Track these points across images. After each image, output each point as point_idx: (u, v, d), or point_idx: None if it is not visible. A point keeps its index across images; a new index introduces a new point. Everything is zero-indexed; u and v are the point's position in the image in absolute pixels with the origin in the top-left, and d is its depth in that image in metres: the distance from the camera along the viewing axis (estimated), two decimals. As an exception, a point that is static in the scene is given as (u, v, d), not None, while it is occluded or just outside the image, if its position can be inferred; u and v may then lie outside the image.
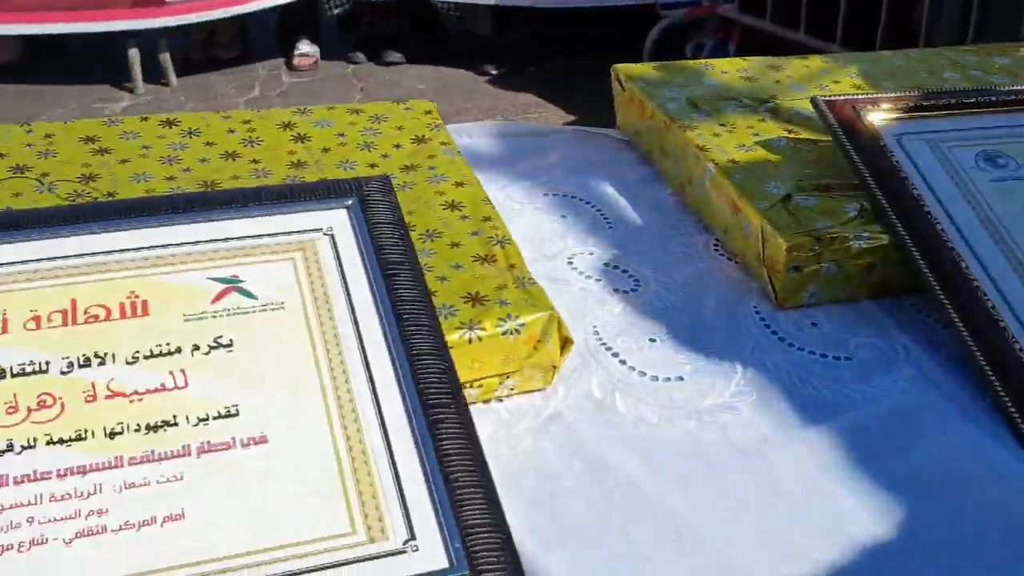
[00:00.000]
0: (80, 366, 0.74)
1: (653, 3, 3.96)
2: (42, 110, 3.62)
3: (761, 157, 1.08)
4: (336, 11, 4.03)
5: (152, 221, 0.83)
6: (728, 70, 1.28)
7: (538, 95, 3.81)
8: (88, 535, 0.65)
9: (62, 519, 0.66)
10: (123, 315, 0.78)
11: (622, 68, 1.26)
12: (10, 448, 0.69)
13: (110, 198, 0.96)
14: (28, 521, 0.65)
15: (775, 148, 1.10)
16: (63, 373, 0.73)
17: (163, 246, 0.82)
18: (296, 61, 3.94)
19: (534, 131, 1.26)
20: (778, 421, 0.83)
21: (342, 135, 1.08)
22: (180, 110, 3.65)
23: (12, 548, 0.64)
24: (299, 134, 1.08)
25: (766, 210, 0.98)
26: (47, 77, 3.84)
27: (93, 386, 0.73)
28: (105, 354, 0.75)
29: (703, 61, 1.31)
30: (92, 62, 3.94)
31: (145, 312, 0.78)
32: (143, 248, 0.82)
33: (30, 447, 0.69)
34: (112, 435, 0.70)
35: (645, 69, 1.26)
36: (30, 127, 1.06)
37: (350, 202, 0.88)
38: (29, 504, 0.66)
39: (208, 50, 3.98)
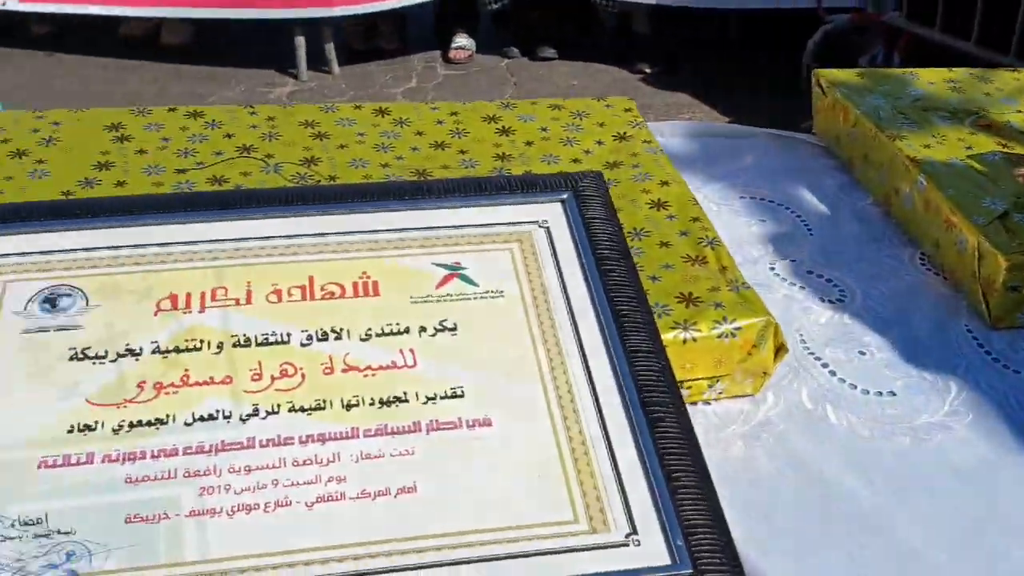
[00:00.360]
0: (319, 339, 0.78)
1: (815, 7, 3.85)
2: (212, 91, 3.79)
3: (975, 171, 1.04)
4: (495, 6, 4.08)
5: (381, 206, 0.87)
6: (934, 80, 1.24)
7: (692, 95, 3.77)
8: (328, 500, 0.69)
9: (304, 483, 0.69)
10: (356, 294, 0.81)
11: (824, 73, 1.24)
12: (256, 413, 0.73)
13: (331, 181, 1.00)
14: (273, 483, 0.69)
15: (989, 163, 1.06)
16: (303, 345, 0.77)
17: (391, 230, 0.86)
18: (452, 54, 4.01)
19: (727, 132, 1.25)
20: (997, 443, 0.80)
21: (545, 130, 1.10)
22: (341, 98, 3.77)
23: (259, 508, 0.68)
24: (503, 127, 1.10)
25: (983, 226, 0.95)
26: (216, 60, 4.01)
27: (331, 359, 0.76)
28: (341, 329, 0.78)
29: (907, 70, 1.28)
30: (259, 48, 4.10)
31: (376, 292, 0.81)
32: (373, 231, 0.85)
33: (274, 413, 0.73)
34: (348, 407, 0.74)
35: (848, 75, 1.24)
36: (253, 108, 1.11)
37: (564, 196, 0.89)
38: (274, 467, 0.70)
39: (369, 41, 4.09)
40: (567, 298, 0.81)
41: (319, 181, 1.00)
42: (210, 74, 3.94)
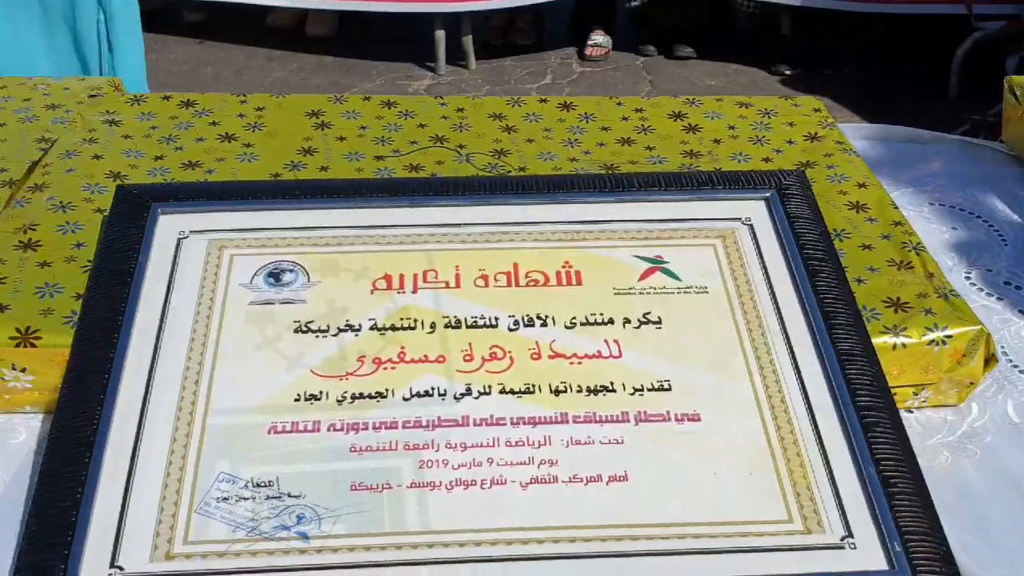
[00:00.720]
0: (525, 325, 0.79)
1: (966, 12, 3.71)
2: (353, 82, 3.89)
3: None
4: (634, 3, 4.07)
5: (583, 197, 0.88)
6: None
7: (832, 99, 3.68)
8: (541, 483, 0.70)
9: (517, 464, 0.71)
10: (559, 282, 0.83)
11: (1018, 81, 1.19)
12: (468, 392, 0.75)
13: (521, 172, 1.02)
14: (488, 461, 0.71)
15: None
16: (510, 330, 0.79)
17: (593, 222, 0.87)
18: (588, 51, 4.01)
19: (915, 136, 1.22)
20: None
21: (733, 128, 1.09)
22: (477, 92, 3.82)
23: (475, 484, 0.70)
24: (690, 124, 1.10)
25: None
26: (357, 52, 4.12)
27: (537, 344, 0.78)
28: (546, 316, 0.80)
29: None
30: (397, 41, 4.19)
31: (579, 282, 0.83)
32: (575, 222, 0.86)
33: (486, 393, 0.75)
34: (557, 392, 0.75)
35: (1045, 82, 1.19)
36: (443, 100, 1.14)
37: (768, 194, 0.89)
38: (488, 446, 0.72)
39: (505, 36, 4.13)
40: (773, 297, 0.81)
41: (509, 172, 1.02)
42: (351, 66, 4.05)
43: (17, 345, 0.78)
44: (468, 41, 3.96)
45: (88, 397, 0.73)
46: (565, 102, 1.14)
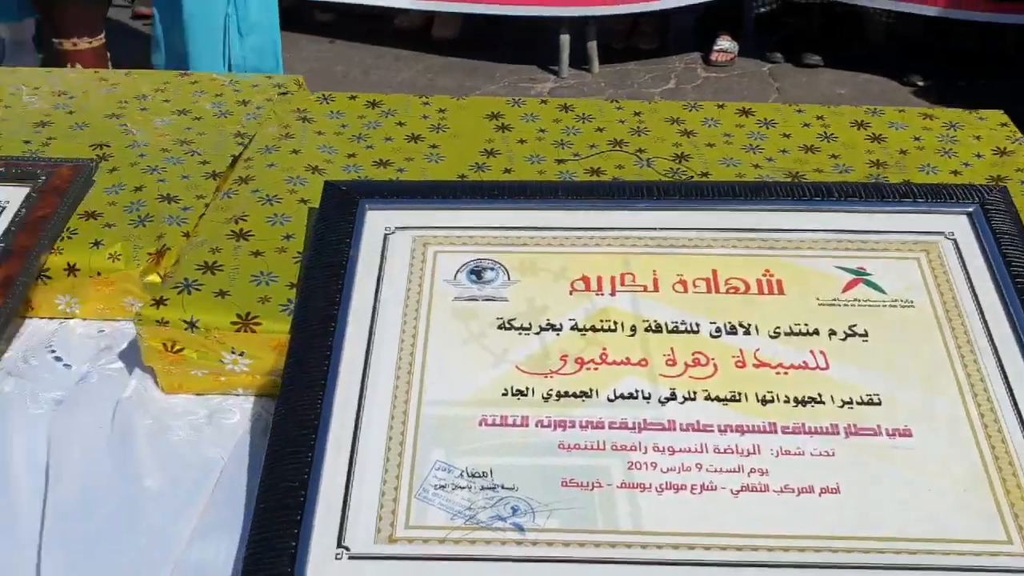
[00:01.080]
0: (727, 332, 0.80)
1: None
2: (478, 85, 3.95)
3: None
4: (763, 9, 4.01)
5: (781, 205, 0.88)
6: None
7: (967, 111, 3.57)
8: (751, 491, 0.70)
9: (727, 471, 0.71)
10: (760, 291, 0.83)
11: None
12: (673, 397, 0.76)
13: (703, 178, 1.02)
14: (697, 467, 0.72)
15: None
16: (712, 336, 0.80)
17: (792, 231, 0.86)
18: (714, 56, 3.97)
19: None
20: None
21: (918, 139, 1.07)
22: (599, 96, 3.82)
23: (685, 488, 0.70)
24: (874, 134, 1.08)
25: None
26: (482, 55, 4.17)
27: (741, 353, 0.78)
28: (748, 325, 0.80)
29: None
30: (520, 44, 4.22)
31: (780, 291, 0.83)
32: (774, 230, 0.86)
33: (691, 399, 0.76)
34: (764, 402, 0.75)
35: None
36: (619, 103, 1.15)
37: (971, 209, 0.87)
38: (696, 451, 0.72)
39: (629, 40, 4.12)
40: (981, 314, 0.80)
41: (692, 177, 1.02)
42: (475, 67, 4.10)
43: (238, 330, 0.82)
44: (592, 46, 3.97)
45: (310, 382, 0.76)
46: (745, 108, 1.13)
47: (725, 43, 4.02)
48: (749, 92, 3.82)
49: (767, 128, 1.10)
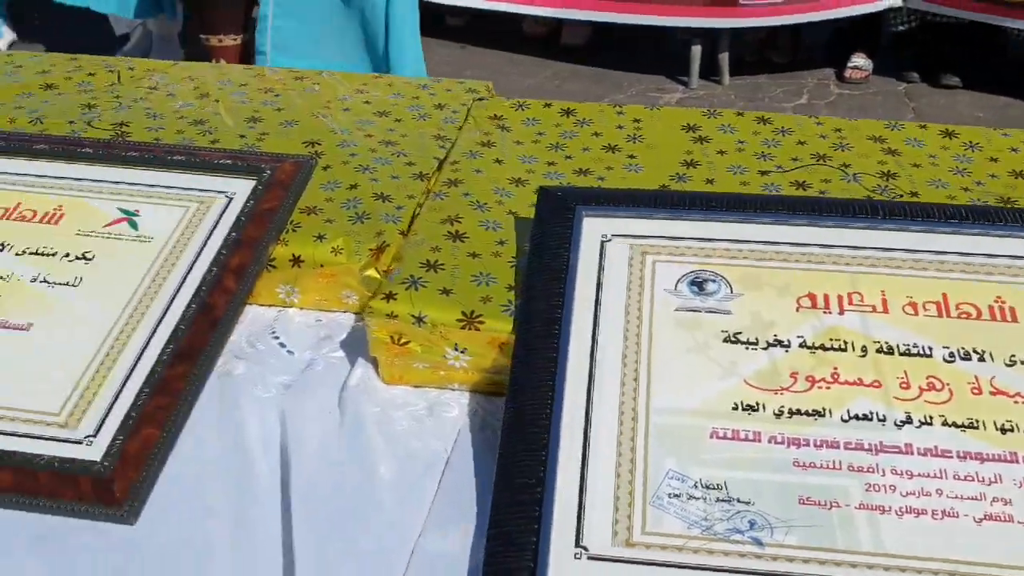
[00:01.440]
0: (961, 358, 0.78)
1: None
2: (606, 92, 3.95)
3: None
4: (901, 27, 3.91)
5: (1013, 231, 0.86)
6: None
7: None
8: (995, 519, 0.69)
9: (968, 498, 0.70)
10: (993, 317, 0.81)
11: None
12: (909, 420, 0.75)
13: (912, 197, 1.00)
14: (936, 492, 0.70)
15: None
16: (946, 361, 0.78)
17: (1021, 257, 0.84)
18: (848, 73, 3.89)
19: None
20: None
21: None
22: (732, 108, 3.79)
23: (926, 513, 0.69)
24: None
25: None
26: (610, 63, 4.17)
27: (976, 379, 0.77)
28: (983, 351, 0.78)
29: None
30: (649, 53, 4.21)
31: (1013, 318, 0.81)
32: (1009, 256, 0.84)
33: (927, 423, 0.74)
34: (1004, 431, 0.74)
35: None
36: (819, 119, 1.14)
37: None
38: (935, 476, 0.71)
39: (761, 52, 4.07)
40: None
41: (899, 196, 1.00)
42: (603, 75, 4.10)
43: (463, 327, 0.84)
44: (724, 58, 3.93)
45: (538, 383, 0.77)
46: (948, 130, 1.11)
47: (860, 60, 3.93)
48: (884, 111, 3.72)
49: (973, 151, 1.07)
